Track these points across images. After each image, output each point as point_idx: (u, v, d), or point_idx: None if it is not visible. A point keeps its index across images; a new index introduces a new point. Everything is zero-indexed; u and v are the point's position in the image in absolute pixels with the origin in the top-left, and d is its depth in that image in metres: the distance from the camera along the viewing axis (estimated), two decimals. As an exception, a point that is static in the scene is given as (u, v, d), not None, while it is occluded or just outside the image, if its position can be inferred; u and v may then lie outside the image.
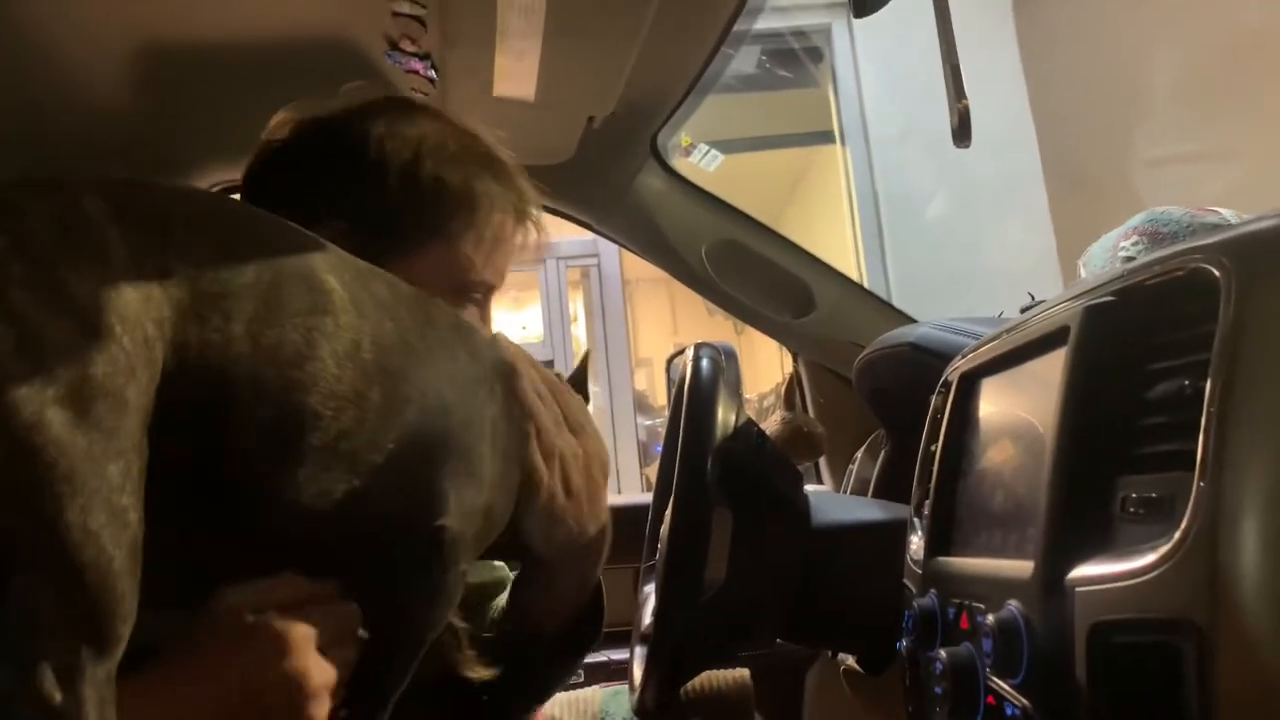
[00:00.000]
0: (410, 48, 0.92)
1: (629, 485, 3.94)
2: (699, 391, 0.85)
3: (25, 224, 0.52)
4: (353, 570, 0.68)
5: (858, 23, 3.34)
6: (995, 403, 0.72)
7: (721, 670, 1.31)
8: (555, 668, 0.88)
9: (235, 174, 1.22)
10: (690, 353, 0.89)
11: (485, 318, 0.86)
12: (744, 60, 3.33)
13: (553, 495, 0.77)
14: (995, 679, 0.56)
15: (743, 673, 1.31)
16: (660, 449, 1.25)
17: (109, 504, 0.50)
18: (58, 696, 0.48)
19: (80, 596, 0.49)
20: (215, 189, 1.23)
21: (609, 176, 1.31)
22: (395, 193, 0.77)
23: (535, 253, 0.88)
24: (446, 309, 0.75)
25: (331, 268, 0.65)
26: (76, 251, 0.52)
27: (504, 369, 0.76)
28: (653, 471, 2.81)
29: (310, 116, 0.81)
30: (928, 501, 0.77)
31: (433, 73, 0.95)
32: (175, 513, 0.58)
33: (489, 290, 0.84)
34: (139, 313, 0.53)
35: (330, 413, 0.61)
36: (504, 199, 0.82)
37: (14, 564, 0.48)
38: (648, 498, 1.13)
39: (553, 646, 0.85)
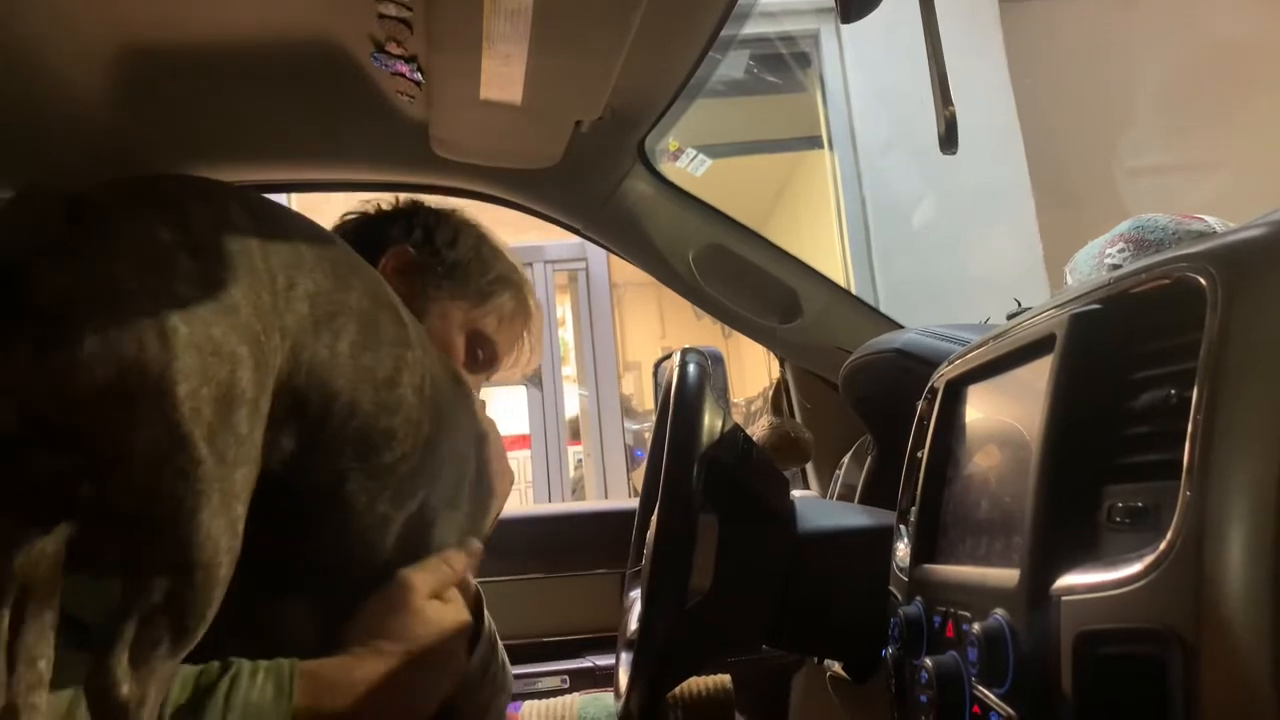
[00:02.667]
0: (396, 50, 0.91)
1: (616, 490, 3.93)
2: (685, 397, 0.84)
3: (192, 221, 0.54)
4: (339, 589, 0.69)
5: (846, 28, 3.36)
6: (981, 410, 0.72)
7: (704, 676, 1.30)
8: None
9: (218, 176, 1.21)
10: (677, 358, 0.89)
11: (477, 389, 1.03)
12: (732, 65, 3.33)
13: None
14: (981, 688, 0.56)
15: (724, 678, 1.31)
16: (644, 454, 1.25)
17: (229, 510, 0.52)
18: (125, 687, 0.49)
19: (184, 592, 0.50)
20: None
21: (596, 181, 1.31)
22: (456, 249, 1.05)
23: (522, 371, 1.15)
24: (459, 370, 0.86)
25: (404, 306, 0.71)
26: (231, 256, 0.55)
27: (484, 434, 0.85)
28: (639, 477, 2.80)
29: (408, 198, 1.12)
30: (914, 508, 0.77)
31: (419, 75, 0.95)
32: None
33: (491, 360, 1.07)
34: (272, 320, 0.56)
35: (401, 435, 0.66)
36: (521, 302, 1.11)
37: (139, 547, 0.50)
38: (634, 503, 1.13)
39: None
